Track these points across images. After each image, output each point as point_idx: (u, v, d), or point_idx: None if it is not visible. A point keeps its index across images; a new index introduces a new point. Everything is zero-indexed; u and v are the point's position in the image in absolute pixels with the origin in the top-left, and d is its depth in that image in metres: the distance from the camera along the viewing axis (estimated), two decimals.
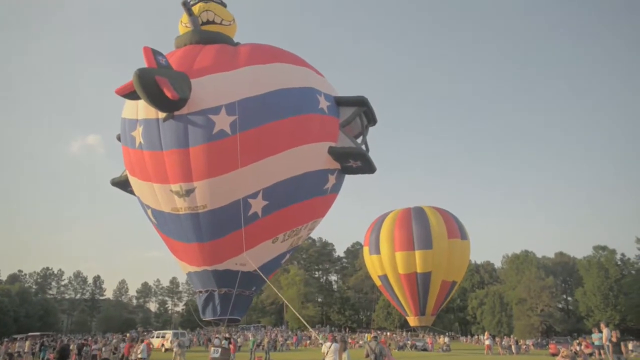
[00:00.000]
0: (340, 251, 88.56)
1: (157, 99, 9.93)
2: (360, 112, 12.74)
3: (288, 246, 12.61)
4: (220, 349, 19.44)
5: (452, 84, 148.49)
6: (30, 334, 45.39)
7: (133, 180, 12.22)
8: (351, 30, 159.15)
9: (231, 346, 17.99)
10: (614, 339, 15.66)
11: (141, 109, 10.98)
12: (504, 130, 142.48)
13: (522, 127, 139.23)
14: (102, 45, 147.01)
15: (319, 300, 79.97)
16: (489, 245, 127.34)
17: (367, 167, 12.63)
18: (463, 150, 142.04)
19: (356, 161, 12.33)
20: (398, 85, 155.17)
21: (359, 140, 13.16)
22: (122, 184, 13.71)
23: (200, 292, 12.25)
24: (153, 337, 39.95)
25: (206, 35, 12.18)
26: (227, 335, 21.80)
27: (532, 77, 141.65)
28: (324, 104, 11.77)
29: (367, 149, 13.04)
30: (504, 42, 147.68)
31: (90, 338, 40.75)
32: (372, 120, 13.36)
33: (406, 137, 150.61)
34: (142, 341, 21.47)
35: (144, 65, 9.99)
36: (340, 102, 12.51)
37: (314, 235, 76.79)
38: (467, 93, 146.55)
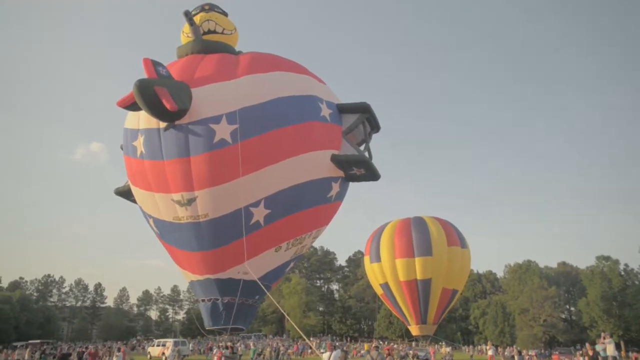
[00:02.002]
0: (341, 260, 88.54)
1: (157, 110, 9.94)
2: (363, 118, 12.68)
3: (292, 255, 12.54)
4: (223, 358, 19.63)
5: (455, 92, 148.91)
6: (30, 341, 45.22)
7: (135, 190, 12.22)
8: (355, 38, 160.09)
9: (215, 358, 17.86)
10: (590, 353, 15.39)
11: (142, 119, 11.00)
12: (505, 141, 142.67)
13: (523, 138, 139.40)
14: (106, 53, 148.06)
15: (321, 309, 79.68)
16: (491, 254, 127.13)
17: (371, 174, 12.54)
18: (466, 160, 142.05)
19: (359, 169, 12.25)
20: (401, 93, 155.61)
21: (362, 147, 13.15)
22: (125, 193, 13.69)
23: (203, 300, 12.18)
24: (153, 345, 39.70)
25: (208, 45, 12.20)
26: (229, 343, 21.77)
27: (533, 85, 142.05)
28: (325, 111, 11.76)
29: (370, 156, 13.00)
30: (504, 50, 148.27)
31: (90, 346, 40.63)
32: (375, 126, 13.30)
33: (409, 145, 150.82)
34: (119, 349, 20.82)
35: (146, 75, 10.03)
36: (343, 109, 12.46)
37: (316, 244, 76.61)
38: (470, 102, 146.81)
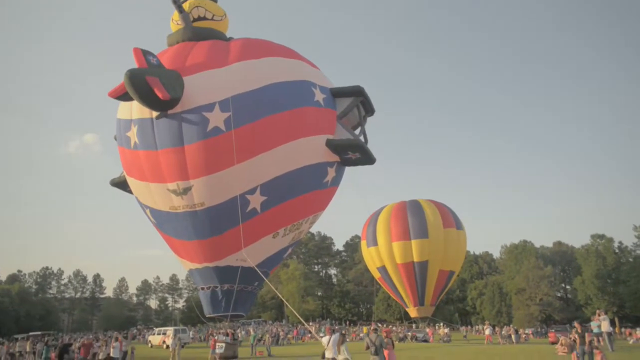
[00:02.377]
0: (339, 245, 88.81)
1: (149, 99, 9.88)
2: (357, 102, 12.67)
3: (290, 240, 12.58)
4: (224, 344, 19.86)
5: (451, 76, 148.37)
6: (31, 333, 45.40)
7: (130, 181, 12.21)
8: (347, 21, 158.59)
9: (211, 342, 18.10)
10: (579, 330, 15.62)
11: (135, 109, 10.93)
12: (502, 122, 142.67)
13: (520, 119, 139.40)
14: (98, 43, 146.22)
15: (319, 294, 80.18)
16: (488, 235, 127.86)
17: (366, 158, 12.55)
18: (461, 142, 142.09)
19: (355, 153, 12.25)
20: (396, 76, 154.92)
21: (358, 131, 13.12)
22: (122, 184, 13.66)
23: (203, 288, 12.25)
24: (154, 334, 39.98)
25: (198, 32, 12.11)
26: (229, 330, 21.99)
27: (529, 68, 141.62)
28: (319, 96, 11.72)
29: (366, 140, 12.99)
30: (503, 36, 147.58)
31: (84, 337, 40.93)
32: (369, 110, 13.28)
33: (404, 127, 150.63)
34: (117, 339, 20.42)
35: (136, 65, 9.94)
36: (337, 94, 12.42)
37: (313, 229, 76.61)
38: (466, 86, 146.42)
